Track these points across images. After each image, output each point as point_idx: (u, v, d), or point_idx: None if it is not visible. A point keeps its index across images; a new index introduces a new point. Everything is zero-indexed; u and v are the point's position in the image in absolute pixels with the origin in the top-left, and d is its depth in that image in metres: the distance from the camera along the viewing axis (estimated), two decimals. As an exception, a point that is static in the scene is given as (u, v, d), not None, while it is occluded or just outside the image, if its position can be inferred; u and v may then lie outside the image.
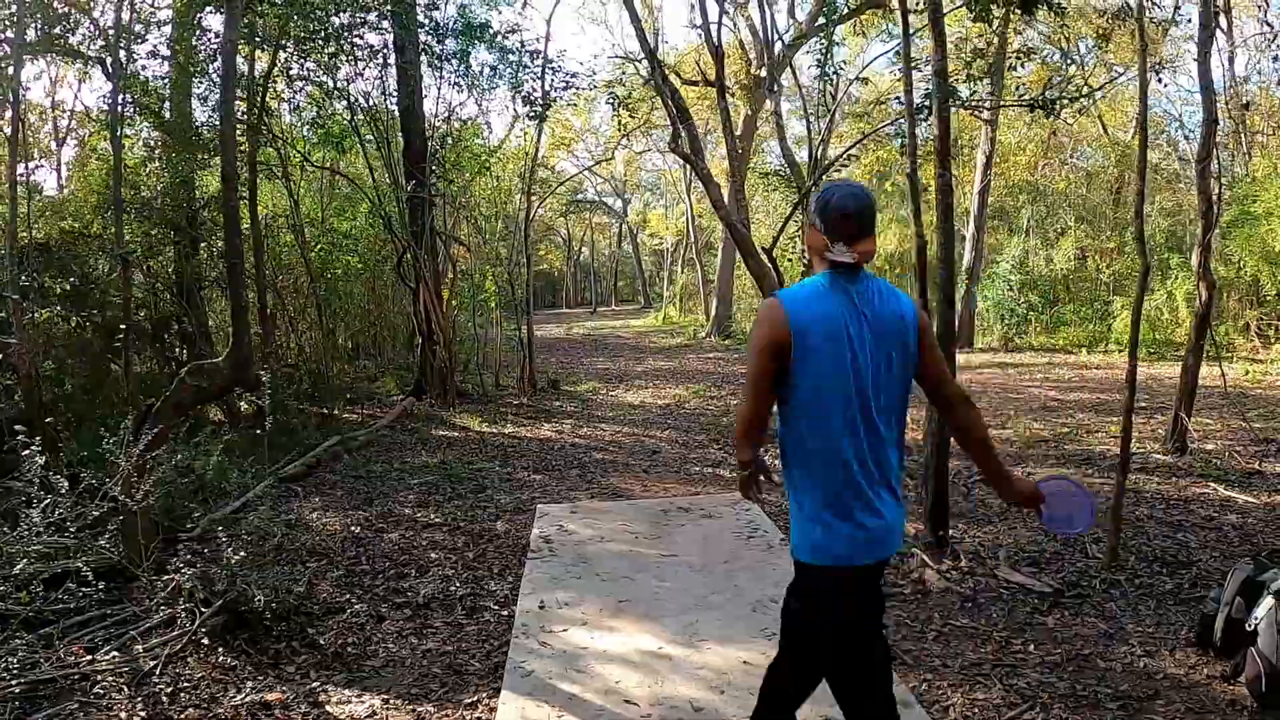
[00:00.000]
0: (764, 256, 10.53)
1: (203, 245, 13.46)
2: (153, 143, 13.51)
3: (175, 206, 12.60)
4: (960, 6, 9.20)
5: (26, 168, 14.56)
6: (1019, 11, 8.92)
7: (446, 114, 15.91)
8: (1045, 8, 8.78)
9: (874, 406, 2.92)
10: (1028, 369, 17.83)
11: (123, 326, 9.11)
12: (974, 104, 9.68)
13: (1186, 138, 22.57)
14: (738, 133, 28.10)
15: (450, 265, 16.55)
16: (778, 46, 21.94)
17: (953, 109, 9.07)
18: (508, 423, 13.05)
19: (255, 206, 13.97)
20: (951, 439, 5.87)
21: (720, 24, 13.65)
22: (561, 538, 7.05)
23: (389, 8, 14.10)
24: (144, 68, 12.52)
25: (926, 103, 9.10)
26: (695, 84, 28.38)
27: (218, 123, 13.90)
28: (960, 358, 20.44)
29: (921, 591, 5.54)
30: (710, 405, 14.43)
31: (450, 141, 16.32)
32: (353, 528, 7.54)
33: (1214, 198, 9.15)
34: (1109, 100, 26.87)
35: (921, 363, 3.04)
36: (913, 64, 8.80)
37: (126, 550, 5.43)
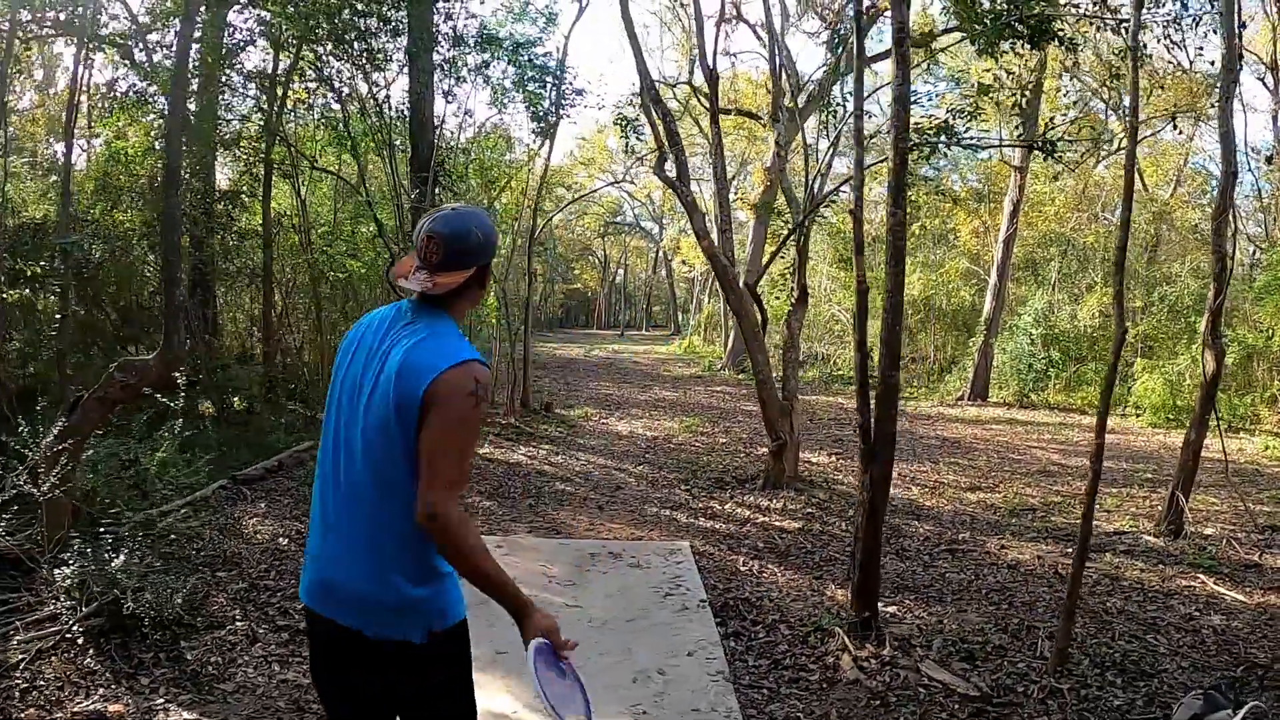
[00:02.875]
0: (746, 292, 9.93)
1: (217, 238, 13.10)
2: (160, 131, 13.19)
3: (194, 198, 12.22)
4: (962, 40, 8.60)
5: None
6: (1028, 47, 8.29)
7: (458, 124, 15.53)
8: (1055, 43, 8.15)
9: (351, 455, 2.49)
10: (1037, 428, 17.08)
11: (58, 316, 8.84)
12: (969, 142, 9.02)
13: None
14: (766, 163, 27.71)
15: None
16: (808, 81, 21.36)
17: (947, 145, 8.46)
18: (486, 443, 12.54)
19: (268, 205, 13.80)
20: (880, 508, 5.24)
21: (716, 48, 13.10)
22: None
23: (405, 15, 13.84)
24: (168, 58, 12.36)
25: (927, 138, 8.46)
26: (727, 112, 27.99)
27: (236, 120, 14.09)
28: (972, 410, 19.86)
29: (829, 680, 4.87)
30: (697, 441, 13.84)
31: (459, 153, 15.97)
32: (280, 539, 7.27)
33: (1229, 257, 8.41)
34: (1151, 154, 26.08)
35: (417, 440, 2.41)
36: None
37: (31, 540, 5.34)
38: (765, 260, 11.19)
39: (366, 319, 2.67)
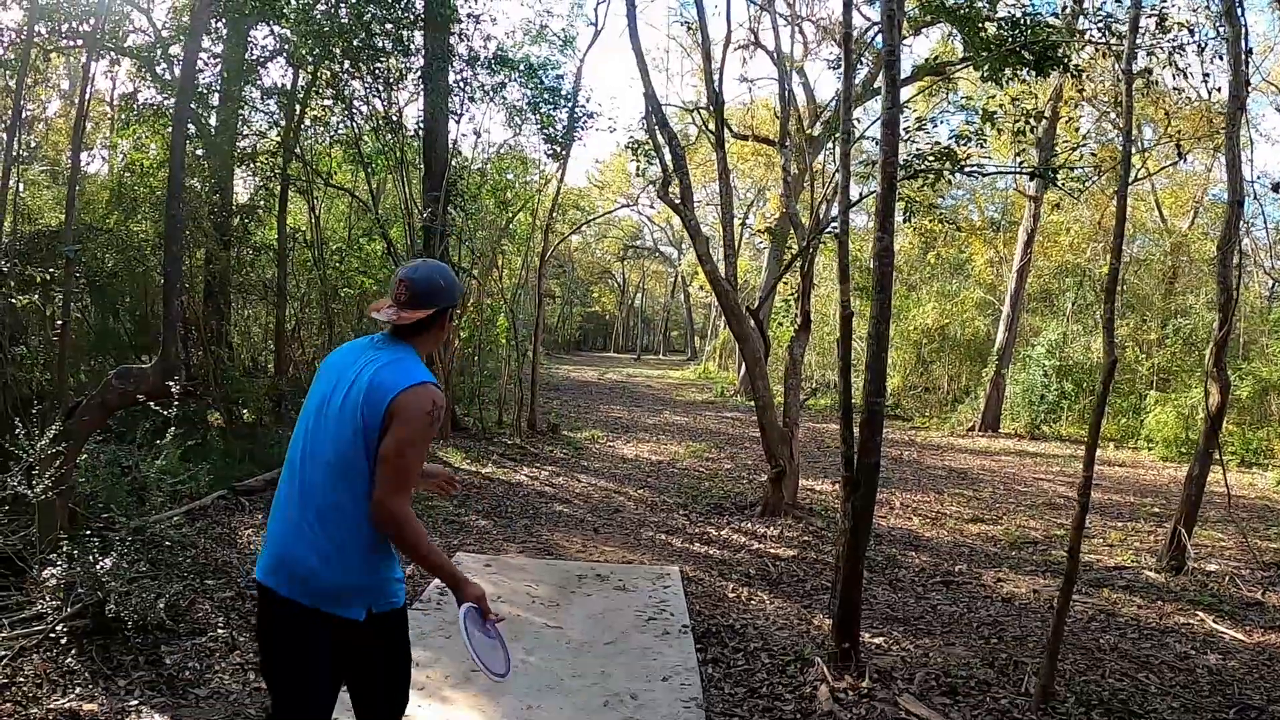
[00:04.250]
0: (748, 317, 9.87)
1: (232, 251, 13.17)
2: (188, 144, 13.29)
3: (211, 211, 12.29)
4: (966, 64, 8.56)
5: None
6: (1033, 74, 8.23)
7: (473, 144, 15.60)
8: (1060, 69, 8.09)
9: (316, 456, 2.89)
10: (1047, 460, 16.90)
11: (59, 322, 8.84)
12: (972, 169, 8.94)
13: (1247, 224, 21.44)
14: (782, 190, 27.70)
15: (461, 297, 16.09)
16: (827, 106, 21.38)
17: (951, 172, 8.39)
18: (490, 462, 12.52)
19: (284, 221, 13.87)
20: (861, 538, 5.16)
21: (723, 73, 13.10)
22: (447, 592, 6.51)
23: (421, 36, 13.96)
24: (198, 71, 12.47)
25: (929, 165, 8.39)
26: (745, 138, 28.02)
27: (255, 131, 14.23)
28: (982, 441, 19.68)
29: (803, 711, 4.76)
30: (701, 466, 13.76)
31: (474, 173, 16.05)
32: None
33: (1235, 288, 8.28)
34: (1169, 185, 25.91)
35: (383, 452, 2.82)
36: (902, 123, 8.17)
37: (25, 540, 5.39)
38: (770, 286, 11.10)
39: (345, 346, 3.14)
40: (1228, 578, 8.22)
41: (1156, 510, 11.59)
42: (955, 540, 9.57)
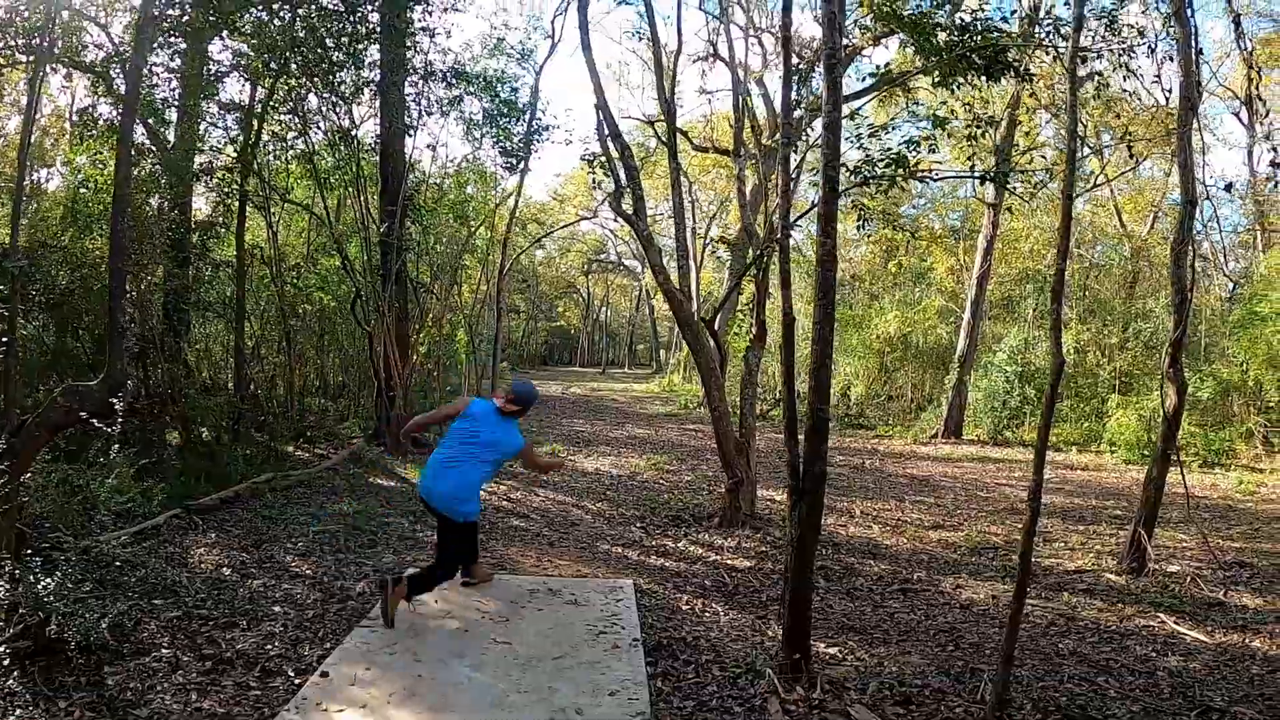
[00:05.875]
0: (703, 328, 9.78)
1: (190, 267, 12.96)
2: (143, 159, 13.05)
3: (169, 227, 12.10)
4: (919, 73, 8.53)
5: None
6: (984, 79, 8.20)
7: (431, 158, 15.50)
8: (1011, 74, 8.07)
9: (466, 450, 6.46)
10: (1009, 466, 16.89)
11: (3, 340, 8.67)
12: (922, 174, 8.90)
13: (1204, 226, 21.62)
14: (746, 203, 27.70)
15: (421, 313, 15.98)
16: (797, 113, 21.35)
17: (904, 178, 8.34)
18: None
19: (242, 237, 13.70)
20: (809, 548, 5.06)
21: (674, 80, 13.06)
22: (407, 607, 6.39)
23: (377, 49, 13.86)
24: (154, 86, 12.32)
25: (876, 170, 8.34)
26: (705, 150, 28.05)
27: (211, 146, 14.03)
28: (945, 448, 19.68)
29: (751, 726, 4.66)
30: (662, 479, 13.62)
31: (431, 188, 15.93)
32: (224, 569, 7.24)
33: (1188, 288, 8.27)
34: (1128, 191, 26.13)
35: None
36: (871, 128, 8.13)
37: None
38: (722, 296, 11.02)
39: (482, 402, 6.84)
40: (1189, 578, 8.17)
41: (1118, 513, 11.56)
42: (915, 547, 9.49)
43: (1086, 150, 21.71)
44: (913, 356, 25.19)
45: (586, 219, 36.37)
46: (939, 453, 18.95)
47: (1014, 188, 8.47)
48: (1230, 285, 23.96)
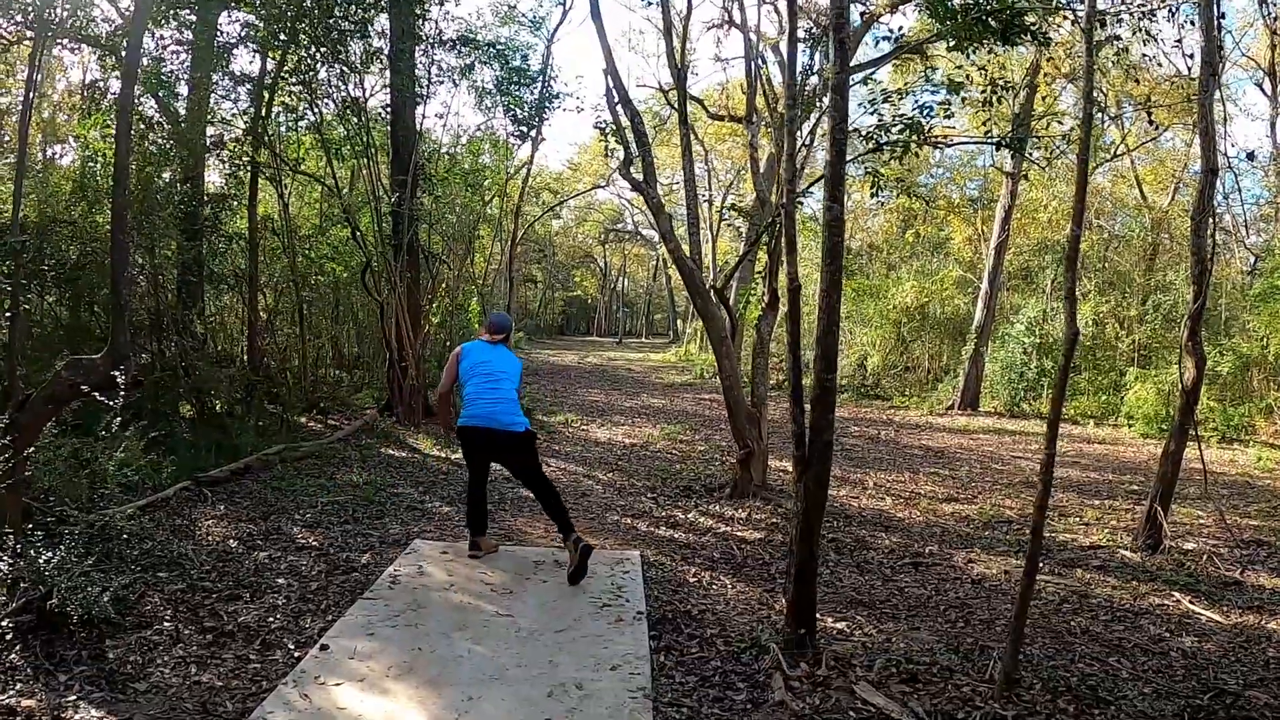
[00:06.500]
0: (713, 296, 9.65)
1: (203, 240, 12.90)
2: (151, 133, 12.96)
3: (180, 200, 12.05)
4: (934, 39, 8.32)
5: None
6: (1001, 44, 8.00)
7: (442, 127, 15.35)
8: (1029, 38, 7.87)
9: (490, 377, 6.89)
10: (1026, 438, 16.71)
11: (9, 315, 8.66)
12: (937, 140, 8.73)
13: (1225, 197, 21.27)
14: (760, 170, 27.46)
15: (433, 282, 15.90)
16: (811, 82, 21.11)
17: (909, 144, 8.17)
18: (458, 448, 12.23)
19: (254, 209, 13.67)
20: (814, 519, 4.95)
21: (684, 46, 12.87)
22: (411, 580, 6.40)
23: (386, 17, 13.73)
24: (161, 60, 12.22)
25: (890, 136, 8.18)
26: (720, 118, 27.80)
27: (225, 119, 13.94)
28: (961, 420, 19.55)
29: (754, 701, 4.55)
30: (675, 448, 13.55)
31: (443, 157, 15.80)
32: (230, 541, 7.21)
33: (1209, 258, 8.09)
34: (1149, 162, 25.76)
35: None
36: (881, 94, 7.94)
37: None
38: (734, 264, 10.89)
39: (470, 344, 7.24)
40: (1205, 556, 8.06)
41: (1135, 488, 11.43)
42: (928, 520, 9.38)
43: (1106, 120, 21.39)
44: (929, 327, 25.00)
45: (600, 188, 36.17)
46: (955, 424, 18.81)
47: (1031, 154, 8.25)
48: (1251, 259, 23.61)
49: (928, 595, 6.76)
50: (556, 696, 4.49)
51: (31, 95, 11.21)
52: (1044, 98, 17.35)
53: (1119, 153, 17.53)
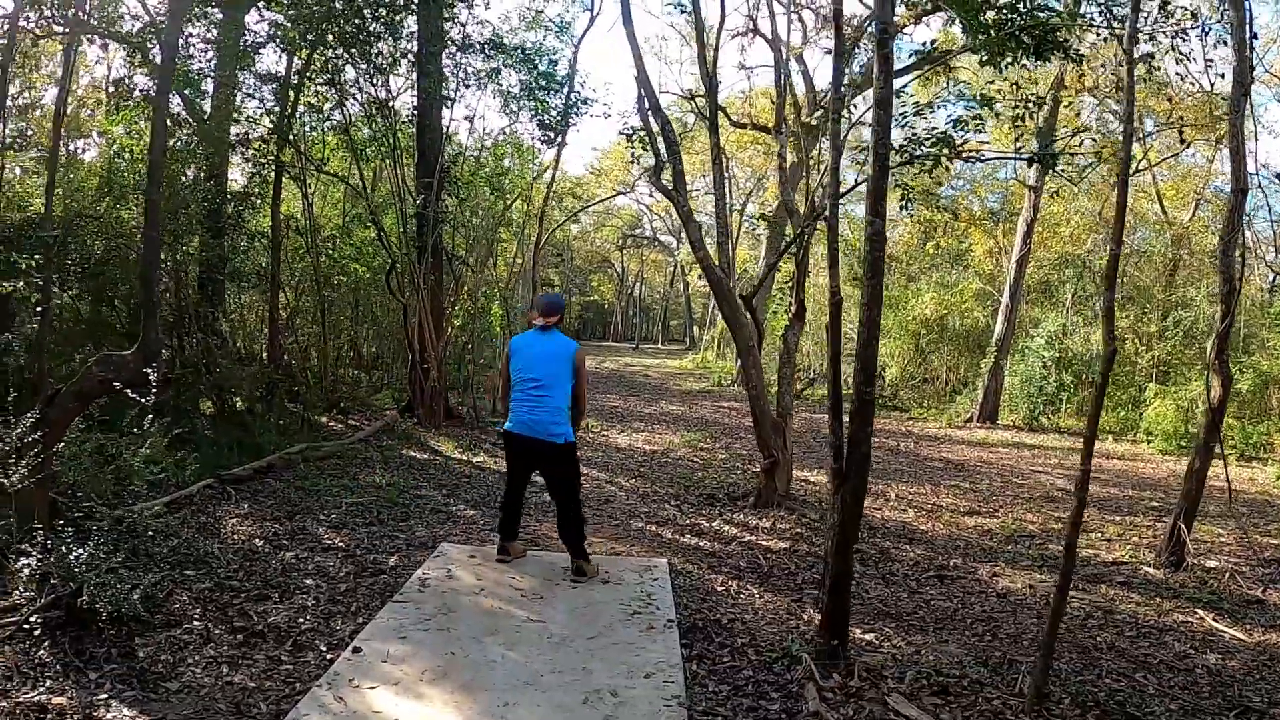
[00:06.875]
0: (742, 305, 9.69)
1: (226, 238, 13.02)
2: (178, 130, 13.06)
3: (204, 198, 12.18)
4: (964, 50, 8.36)
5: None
6: (1033, 59, 8.03)
7: (468, 130, 15.43)
8: (1060, 54, 7.90)
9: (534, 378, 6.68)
10: (1045, 452, 16.72)
11: (38, 309, 8.76)
12: (968, 154, 8.76)
13: (1250, 216, 21.22)
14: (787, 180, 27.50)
15: (457, 285, 15.98)
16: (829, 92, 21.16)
17: (949, 159, 8.21)
18: (480, 451, 12.37)
19: (278, 208, 13.76)
20: (851, 531, 4.99)
21: (715, 57, 12.94)
22: (440, 583, 6.43)
23: (415, 20, 13.83)
24: (190, 58, 12.35)
25: (924, 150, 8.21)
26: (743, 126, 27.86)
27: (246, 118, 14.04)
28: (980, 433, 19.54)
29: (788, 711, 4.60)
30: (695, 457, 13.59)
31: (468, 160, 15.88)
32: (256, 540, 7.24)
33: (1237, 278, 8.11)
34: (1171, 178, 25.71)
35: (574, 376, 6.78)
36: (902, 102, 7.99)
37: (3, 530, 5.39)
38: (763, 273, 10.93)
39: (518, 336, 7.05)
40: (1228, 574, 8.07)
41: (1155, 504, 11.43)
42: (951, 533, 9.41)
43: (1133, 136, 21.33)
44: (948, 339, 24.99)
45: (623, 194, 36.22)
46: (974, 437, 18.81)
47: (1062, 170, 8.28)
48: (1271, 276, 23.54)
49: (954, 608, 6.79)
50: (592, 703, 4.53)
51: (65, 91, 11.38)
52: (1067, 105, 17.34)
53: (1140, 168, 17.53)
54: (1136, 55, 7.94)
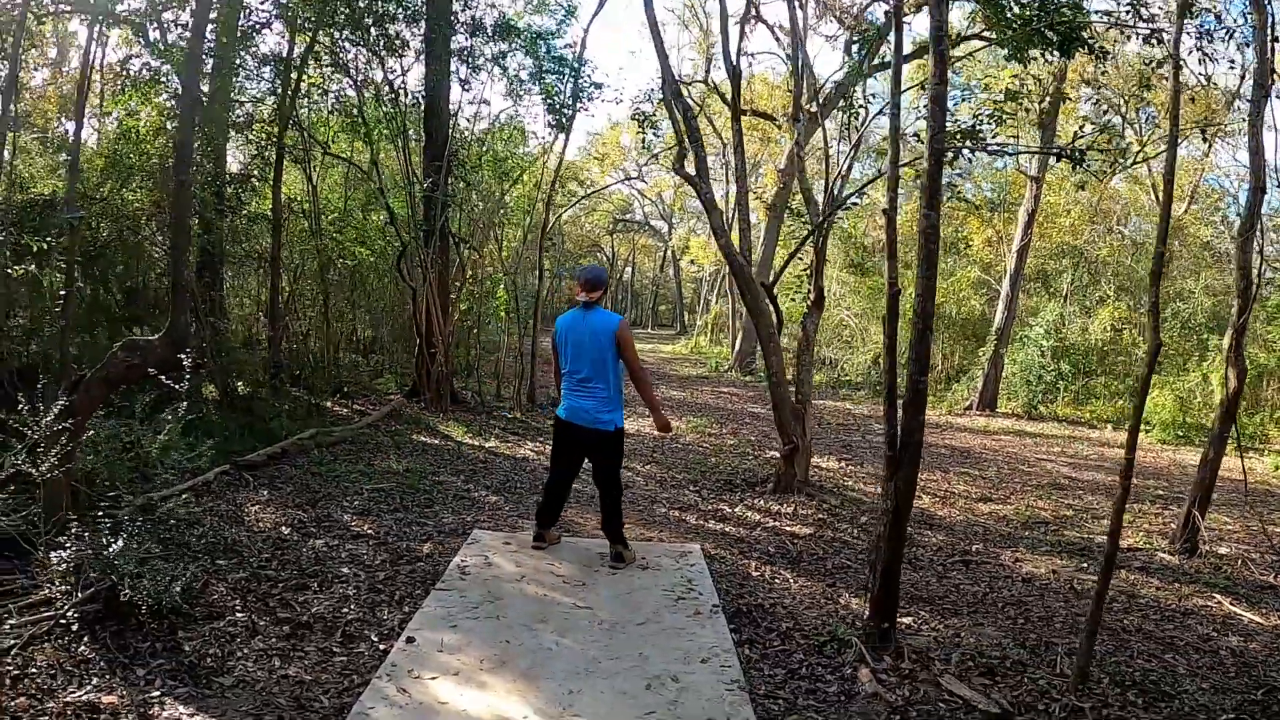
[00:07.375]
0: (763, 293, 9.81)
1: (226, 221, 13.02)
2: (172, 111, 13.04)
3: (205, 180, 12.13)
4: (986, 45, 8.48)
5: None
6: (1056, 54, 8.17)
7: (474, 114, 15.45)
8: (1085, 50, 8.03)
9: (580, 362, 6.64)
10: (1047, 440, 16.93)
11: (61, 292, 8.80)
12: (996, 148, 8.90)
13: (1240, 215, 21.47)
14: (780, 165, 27.58)
15: (461, 269, 16.04)
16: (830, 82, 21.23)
17: (971, 151, 8.35)
18: (491, 436, 12.46)
19: (279, 190, 13.74)
20: (904, 517, 5.14)
21: (740, 46, 13.01)
22: (480, 570, 6.47)
23: (423, 2, 13.84)
24: (183, 38, 12.31)
25: (954, 144, 8.33)
26: (745, 113, 27.90)
27: (250, 99, 14.02)
28: (980, 420, 19.73)
29: (846, 693, 4.75)
30: (705, 442, 13.72)
31: (474, 143, 15.92)
32: (283, 528, 7.23)
33: (1256, 274, 8.28)
34: (1164, 170, 25.88)
35: (621, 355, 6.63)
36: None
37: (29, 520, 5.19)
38: (782, 262, 11.04)
39: (562, 316, 6.85)
40: (1240, 561, 8.28)
41: (1160, 493, 11.63)
42: (968, 520, 9.57)
43: (1126, 126, 21.53)
44: (945, 327, 25.17)
45: (627, 180, 36.22)
46: (975, 424, 19.00)
47: (1088, 165, 8.42)
48: (1267, 270, 23.80)
49: (982, 592, 6.95)
50: (654, 689, 4.60)
51: (88, 71, 11.37)
52: (1068, 100, 17.52)
53: (1137, 160, 17.67)
54: (1164, 56, 8.10)
